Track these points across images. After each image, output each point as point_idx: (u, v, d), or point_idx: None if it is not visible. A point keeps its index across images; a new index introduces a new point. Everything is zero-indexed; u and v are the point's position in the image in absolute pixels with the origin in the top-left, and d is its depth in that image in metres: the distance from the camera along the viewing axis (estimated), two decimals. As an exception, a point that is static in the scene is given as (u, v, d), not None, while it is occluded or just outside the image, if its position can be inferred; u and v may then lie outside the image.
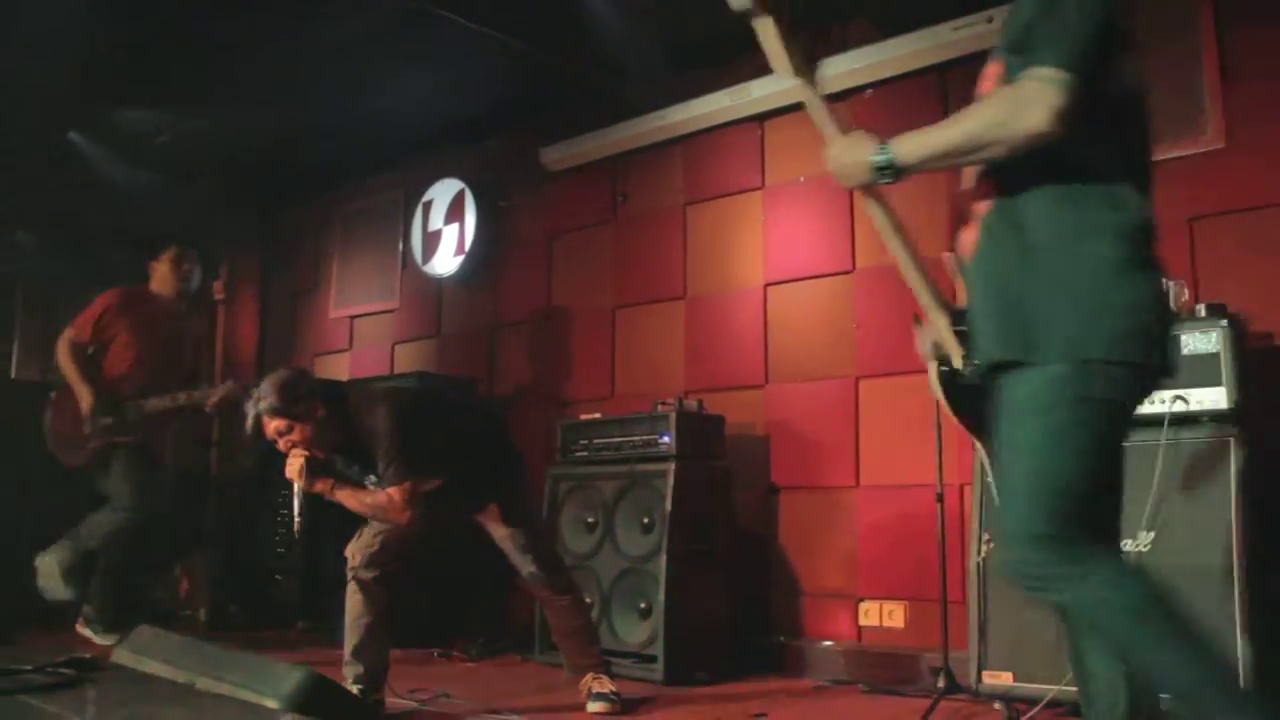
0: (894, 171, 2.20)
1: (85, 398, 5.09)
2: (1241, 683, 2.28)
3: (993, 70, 2.30)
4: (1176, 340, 2.04)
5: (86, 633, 5.09)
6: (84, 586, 5.09)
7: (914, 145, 2.19)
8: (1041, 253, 2.14)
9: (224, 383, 5.37)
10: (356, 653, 3.89)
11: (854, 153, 2.24)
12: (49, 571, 4.98)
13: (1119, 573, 2.09)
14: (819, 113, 2.34)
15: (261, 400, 3.78)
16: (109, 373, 5.22)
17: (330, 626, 5.48)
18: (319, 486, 3.78)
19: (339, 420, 3.83)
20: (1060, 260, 2.12)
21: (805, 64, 2.36)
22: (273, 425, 3.77)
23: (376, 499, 3.75)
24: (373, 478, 3.83)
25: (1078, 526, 2.07)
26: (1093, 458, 2.10)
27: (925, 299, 2.43)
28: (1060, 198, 2.14)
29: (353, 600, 3.94)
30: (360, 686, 3.83)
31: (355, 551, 3.96)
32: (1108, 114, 2.14)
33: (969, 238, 2.32)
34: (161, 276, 5.49)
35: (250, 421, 3.85)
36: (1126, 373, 2.10)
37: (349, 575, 3.96)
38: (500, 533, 4.08)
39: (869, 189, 2.33)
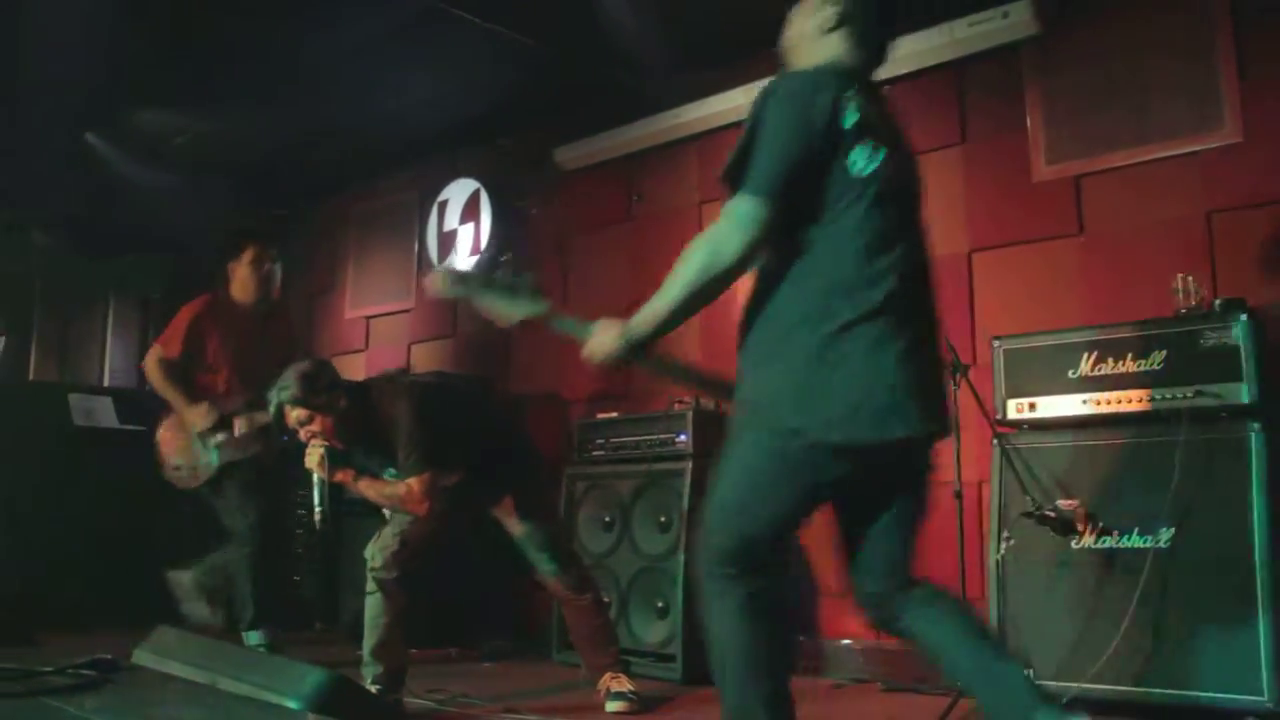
0: (638, 348, 2.42)
1: (196, 419, 4.83)
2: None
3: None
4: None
5: (252, 640, 4.91)
6: (228, 608, 4.95)
7: (645, 318, 2.39)
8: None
9: None
10: (375, 653, 3.90)
11: (604, 343, 2.44)
12: (191, 595, 4.87)
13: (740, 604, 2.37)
14: (563, 325, 2.61)
15: (284, 389, 3.80)
16: (207, 389, 4.94)
17: (348, 627, 5.51)
18: (340, 477, 3.82)
19: (360, 412, 3.86)
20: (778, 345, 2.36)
21: (530, 299, 2.65)
22: (294, 414, 3.80)
23: (396, 490, 3.78)
24: (392, 470, 3.85)
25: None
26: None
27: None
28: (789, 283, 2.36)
29: (372, 600, 3.96)
30: (379, 686, 3.84)
31: (375, 552, 3.97)
32: (835, 203, 2.32)
33: None
34: (242, 280, 5.07)
35: (272, 409, 3.87)
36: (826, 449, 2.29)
37: (369, 575, 3.97)
38: (518, 529, 4.09)
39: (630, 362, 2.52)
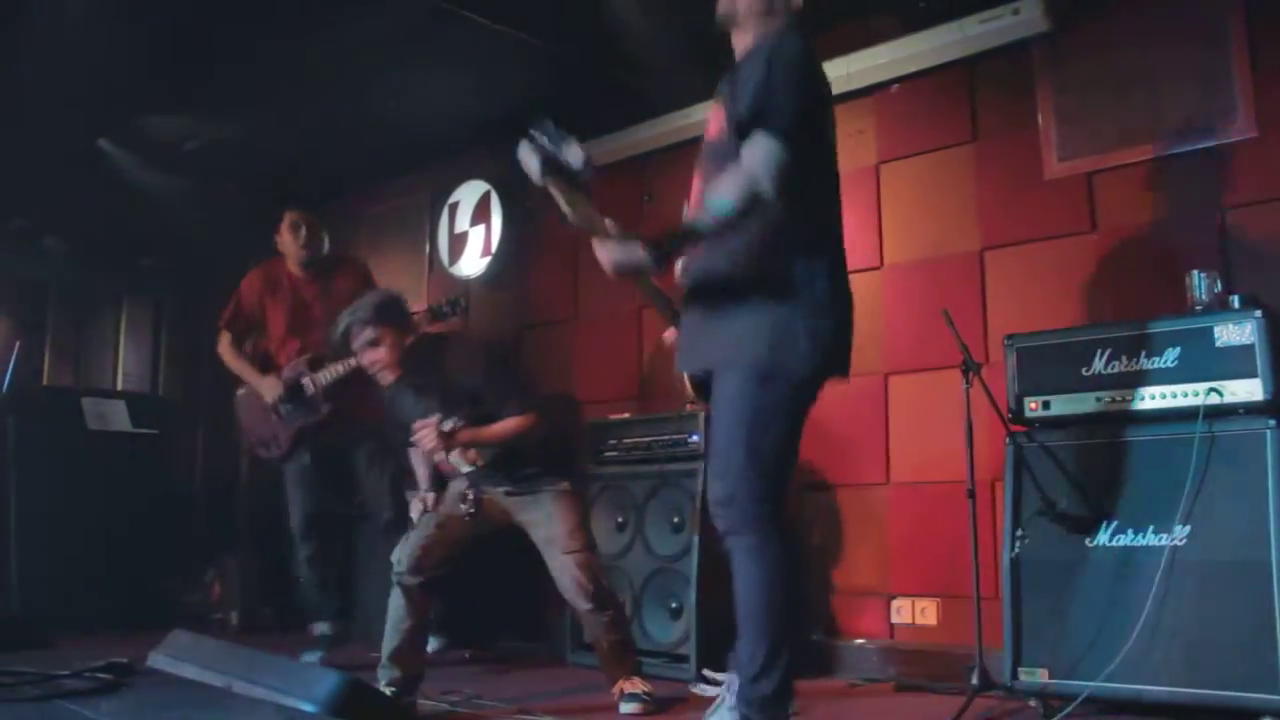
0: (663, 259, 2.82)
1: (267, 389, 4.95)
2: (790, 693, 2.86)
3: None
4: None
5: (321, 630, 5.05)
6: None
7: (678, 235, 2.84)
8: None
9: None
10: (393, 657, 3.91)
11: (632, 252, 2.78)
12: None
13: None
14: (593, 226, 2.87)
15: (356, 311, 3.86)
16: (272, 358, 5.07)
17: (362, 629, 5.52)
18: (462, 436, 3.81)
19: (425, 354, 3.91)
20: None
21: (592, 215, 2.89)
22: (364, 335, 3.85)
23: (507, 425, 3.84)
24: (450, 421, 3.83)
25: None
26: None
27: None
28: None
29: (395, 604, 3.96)
30: (394, 690, 3.84)
31: (401, 557, 3.97)
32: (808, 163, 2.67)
33: None
34: (286, 247, 5.25)
35: (339, 330, 3.90)
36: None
37: (394, 580, 3.97)
38: (541, 534, 4.07)
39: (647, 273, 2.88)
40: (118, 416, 6.97)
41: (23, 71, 5.55)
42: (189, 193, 7.18)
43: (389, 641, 3.92)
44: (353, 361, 4.52)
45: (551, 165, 2.70)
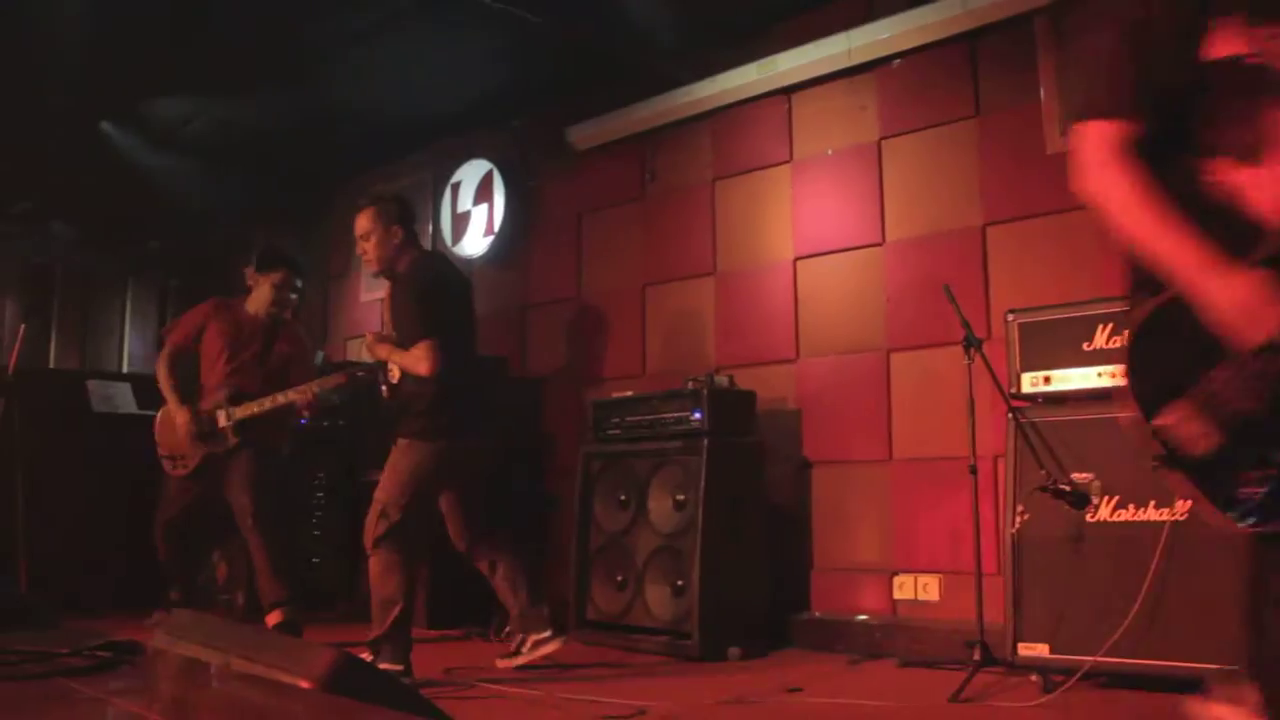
0: None
1: (179, 415, 5.06)
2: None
3: None
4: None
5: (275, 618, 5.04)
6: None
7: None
8: None
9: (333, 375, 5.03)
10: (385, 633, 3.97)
11: None
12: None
13: None
14: None
15: (371, 196, 4.44)
16: (205, 383, 5.18)
17: (367, 606, 5.54)
18: (379, 349, 4.24)
19: (408, 257, 4.31)
20: None
21: None
22: (362, 219, 4.31)
23: (405, 357, 4.13)
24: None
25: None
26: None
27: None
28: None
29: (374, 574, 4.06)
30: (388, 663, 3.87)
31: (367, 526, 4.08)
32: None
33: None
34: (261, 294, 5.23)
35: (358, 212, 4.37)
36: None
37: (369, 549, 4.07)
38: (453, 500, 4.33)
39: None
40: (123, 398, 6.98)
41: (26, 56, 5.55)
42: (192, 174, 7.18)
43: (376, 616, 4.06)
44: (267, 402, 4.86)
45: None
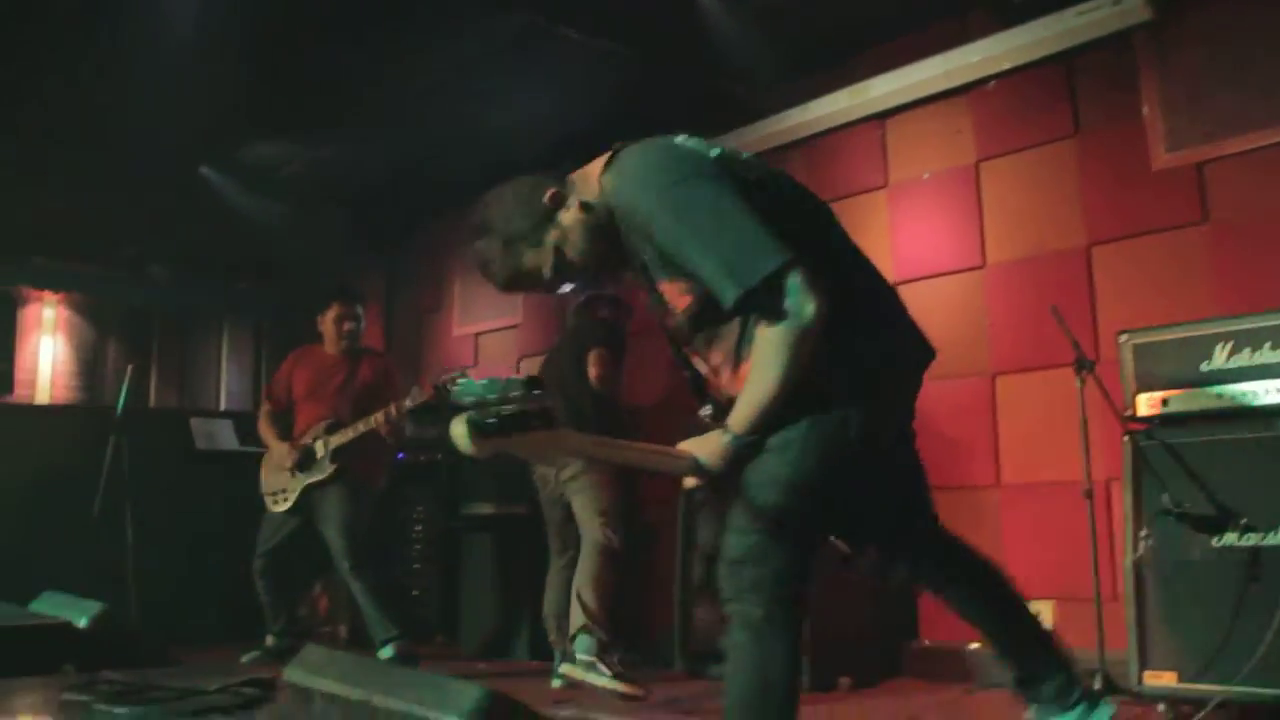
0: (742, 440, 2.29)
1: (279, 449, 5.48)
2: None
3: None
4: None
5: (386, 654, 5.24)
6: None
7: (744, 415, 2.29)
8: None
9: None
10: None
11: (708, 445, 2.37)
12: None
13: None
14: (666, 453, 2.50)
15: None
16: (298, 429, 5.55)
17: (468, 639, 5.56)
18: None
19: None
20: None
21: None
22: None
23: None
24: None
25: None
26: None
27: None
28: None
29: None
30: None
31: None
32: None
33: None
34: (328, 335, 5.66)
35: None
36: None
37: None
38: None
39: None
40: (225, 435, 7.12)
41: (126, 104, 5.71)
42: (287, 216, 7.32)
43: None
44: (360, 425, 5.23)
45: (484, 429, 2.17)
